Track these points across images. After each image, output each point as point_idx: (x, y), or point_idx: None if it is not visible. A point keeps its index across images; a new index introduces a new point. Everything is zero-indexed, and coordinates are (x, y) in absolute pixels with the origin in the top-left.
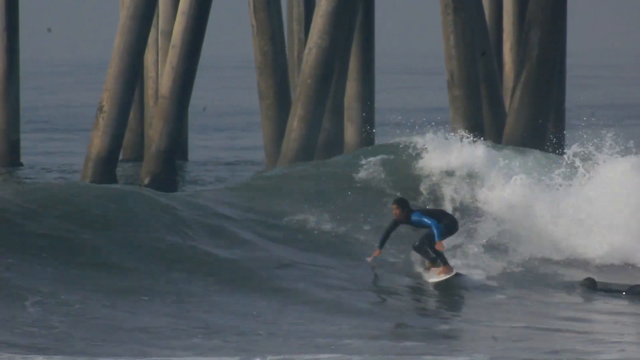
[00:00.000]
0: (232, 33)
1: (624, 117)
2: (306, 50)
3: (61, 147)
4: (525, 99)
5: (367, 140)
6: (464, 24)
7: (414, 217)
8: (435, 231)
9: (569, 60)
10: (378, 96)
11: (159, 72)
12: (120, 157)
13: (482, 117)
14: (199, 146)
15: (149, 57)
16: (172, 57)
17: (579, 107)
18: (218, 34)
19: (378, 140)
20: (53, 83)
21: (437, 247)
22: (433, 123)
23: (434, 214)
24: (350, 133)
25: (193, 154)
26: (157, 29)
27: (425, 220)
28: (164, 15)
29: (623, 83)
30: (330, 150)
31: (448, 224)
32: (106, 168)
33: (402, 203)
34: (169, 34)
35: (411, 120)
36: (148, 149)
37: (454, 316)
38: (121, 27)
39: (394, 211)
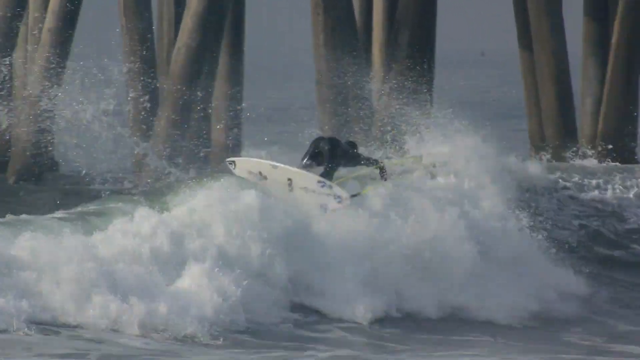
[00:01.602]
0: (104, 32)
1: (495, 116)
2: (175, 50)
3: None
4: (393, 99)
5: (234, 140)
6: (333, 23)
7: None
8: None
9: (439, 60)
10: (247, 96)
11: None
12: None
13: (349, 115)
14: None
15: (18, 56)
16: (40, 57)
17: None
18: (90, 33)
19: (245, 141)
20: None
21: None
22: (299, 121)
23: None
24: (217, 133)
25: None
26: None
27: None
28: (33, 15)
29: (496, 83)
30: (198, 150)
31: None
32: None
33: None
34: (38, 33)
35: (277, 118)
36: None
37: None
38: None
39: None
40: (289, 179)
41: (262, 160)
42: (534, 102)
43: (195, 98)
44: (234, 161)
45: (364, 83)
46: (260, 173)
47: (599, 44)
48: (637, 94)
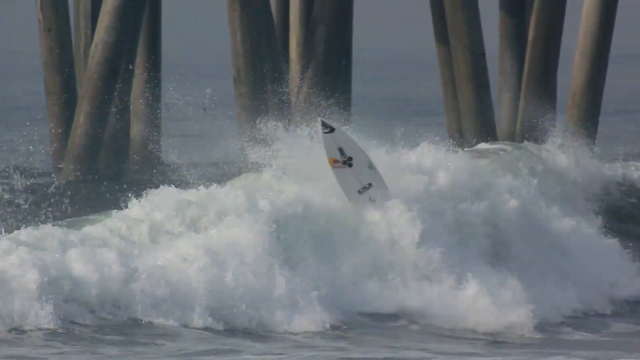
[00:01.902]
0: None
1: (409, 112)
2: (92, 46)
3: None
4: (311, 95)
5: (153, 136)
6: (250, 20)
7: None
8: None
9: (359, 56)
10: (165, 91)
11: None
12: None
13: (268, 113)
14: None
15: None
16: None
17: (370, 102)
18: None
19: (163, 137)
20: None
21: None
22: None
23: None
24: (136, 129)
25: None
26: None
27: None
28: None
29: (415, 79)
30: (117, 147)
31: None
32: None
33: None
34: None
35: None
36: None
37: None
38: None
39: None
40: (369, 184)
41: (364, 150)
42: (452, 97)
43: (112, 95)
44: (333, 127)
45: (282, 79)
46: (350, 159)
47: (516, 38)
48: (555, 89)
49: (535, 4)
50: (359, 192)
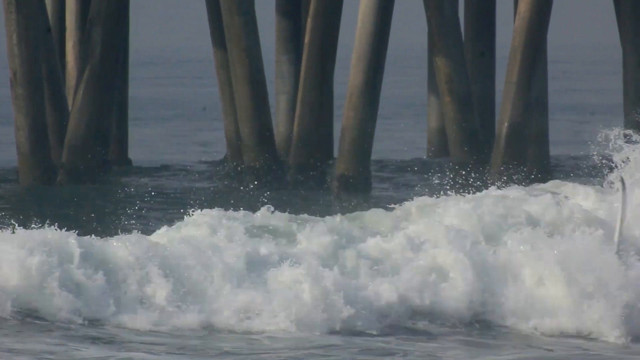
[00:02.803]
0: None
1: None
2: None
3: None
4: (87, 98)
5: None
6: (27, 22)
7: None
8: None
9: (137, 57)
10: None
11: None
12: None
13: (45, 115)
14: None
15: None
16: None
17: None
18: None
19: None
20: None
21: None
22: None
23: None
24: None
25: None
26: None
27: None
28: None
29: (192, 82)
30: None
31: None
32: None
33: None
34: None
35: None
36: None
37: None
38: None
39: None
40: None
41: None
42: (229, 101)
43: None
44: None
45: (59, 82)
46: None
47: (292, 40)
48: (331, 94)
49: (311, 7)
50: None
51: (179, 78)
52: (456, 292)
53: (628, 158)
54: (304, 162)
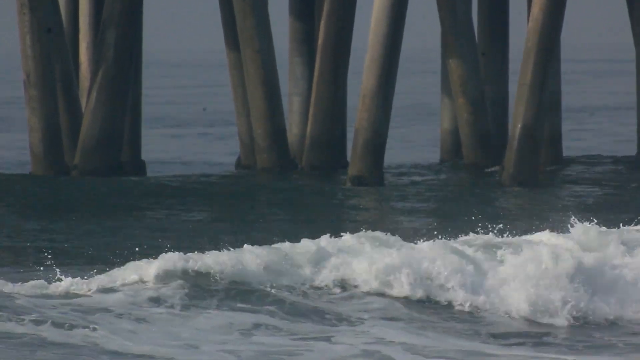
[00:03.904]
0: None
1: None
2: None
3: None
4: (101, 99)
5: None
6: (39, 24)
7: None
8: None
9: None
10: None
11: None
12: None
13: (58, 117)
14: None
15: None
16: None
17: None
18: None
19: None
20: None
21: None
22: None
23: None
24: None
25: None
26: None
27: None
28: None
29: (204, 83)
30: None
31: None
32: None
33: None
34: None
35: None
36: None
37: None
38: None
39: None
40: None
41: None
42: (242, 102)
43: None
44: None
45: (72, 83)
46: None
47: (306, 42)
48: (344, 96)
49: (325, 9)
50: None
51: (184, 79)
52: None
53: None
54: (317, 163)
